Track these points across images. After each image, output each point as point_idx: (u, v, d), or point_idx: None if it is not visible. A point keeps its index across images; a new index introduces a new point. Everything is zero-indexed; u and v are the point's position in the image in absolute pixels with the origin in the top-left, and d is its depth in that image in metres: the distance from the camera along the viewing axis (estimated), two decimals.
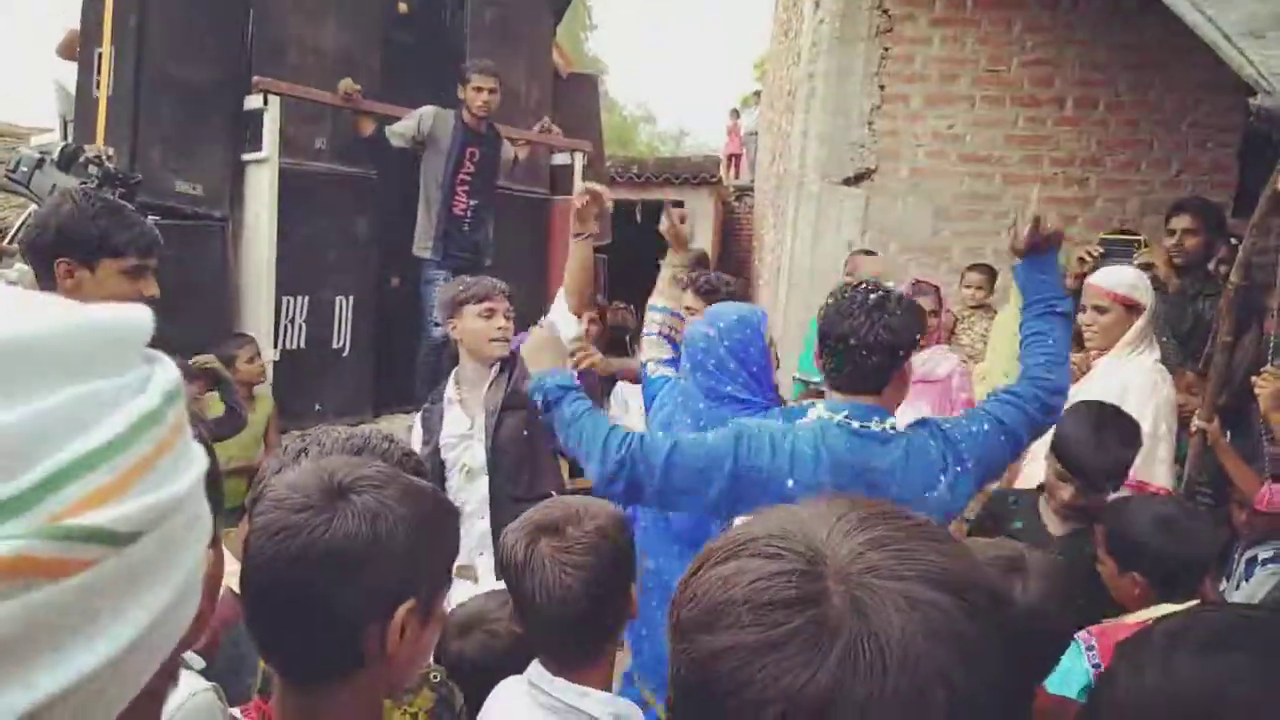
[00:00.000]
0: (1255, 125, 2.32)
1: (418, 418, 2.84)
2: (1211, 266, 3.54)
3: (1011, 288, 4.32)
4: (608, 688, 1.35)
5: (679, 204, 2.69)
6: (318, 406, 4.21)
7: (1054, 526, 2.29)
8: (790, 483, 1.75)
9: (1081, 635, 1.76)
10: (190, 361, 2.87)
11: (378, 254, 4.49)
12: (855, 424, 1.77)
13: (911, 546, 0.56)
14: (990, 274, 4.43)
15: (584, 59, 19.64)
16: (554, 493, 2.50)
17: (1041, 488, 2.34)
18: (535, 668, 1.34)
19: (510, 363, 2.70)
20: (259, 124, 3.93)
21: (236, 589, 1.37)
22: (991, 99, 4.83)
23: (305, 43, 4.18)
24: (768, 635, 0.52)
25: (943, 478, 1.80)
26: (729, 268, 10.28)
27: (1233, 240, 3.60)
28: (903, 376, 1.81)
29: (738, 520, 0.60)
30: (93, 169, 2.74)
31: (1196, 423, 2.78)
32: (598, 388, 3.64)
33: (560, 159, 5.39)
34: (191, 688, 0.93)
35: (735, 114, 15.14)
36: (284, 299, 4.06)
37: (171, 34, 3.76)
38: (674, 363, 2.46)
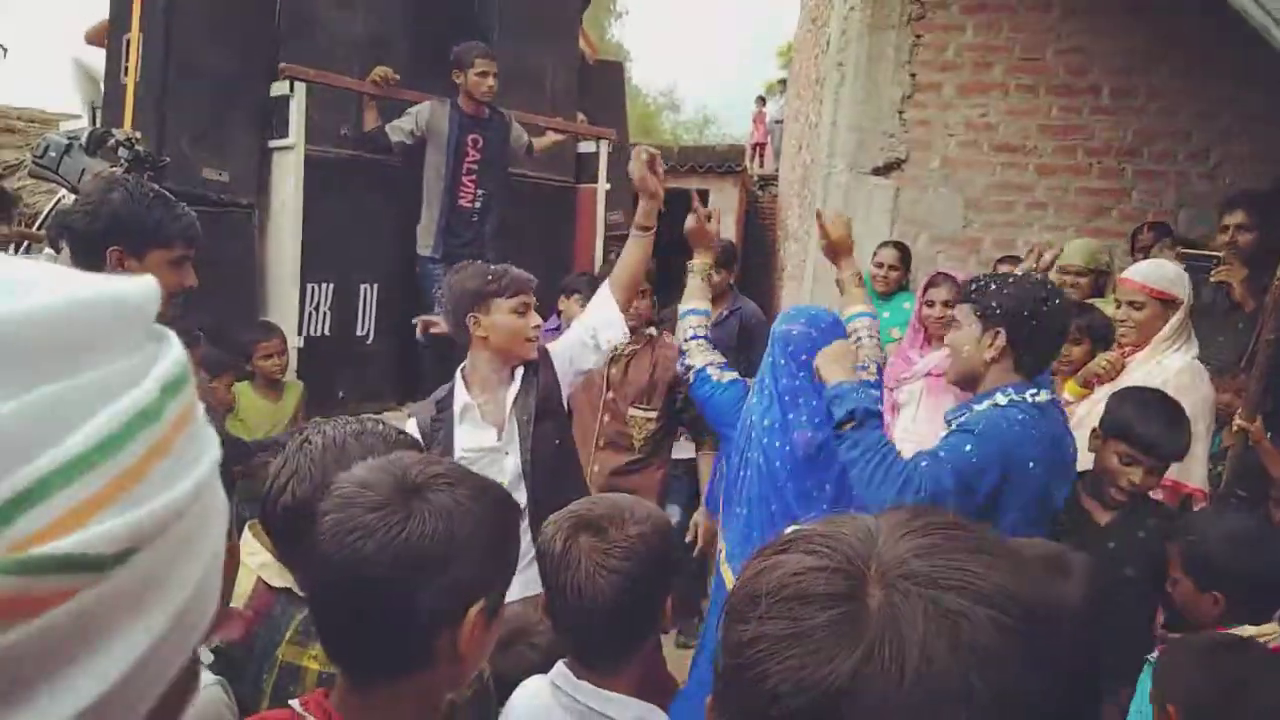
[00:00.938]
0: None
1: (412, 423, 2.41)
2: None
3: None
4: (633, 693, 1.32)
5: (704, 195, 2.59)
6: (341, 394, 4.22)
7: (1099, 515, 2.25)
8: (1031, 464, 1.93)
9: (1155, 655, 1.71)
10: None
11: (401, 241, 4.48)
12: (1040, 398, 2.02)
13: (958, 558, 0.55)
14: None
15: (608, 46, 19.56)
16: None
17: (1081, 475, 2.28)
18: (560, 669, 1.31)
19: (535, 363, 2.47)
20: (285, 111, 3.92)
21: (268, 580, 1.37)
22: (1025, 88, 4.73)
23: (332, 29, 4.16)
24: (792, 628, 0.53)
25: None
26: (754, 257, 10.21)
27: None
28: None
29: None
30: (122, 152, 2.73)
31: (1238, 422, 2.71)
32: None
33: (585, 147, 5.35)
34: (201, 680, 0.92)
35: (761, 102, 15.03)
36: (309, 286, 4.06)
37: (200, 20, 3.76)
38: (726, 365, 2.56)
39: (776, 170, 11.53)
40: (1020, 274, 2.33)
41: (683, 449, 3.99)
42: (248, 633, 1.36)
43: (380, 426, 1.35)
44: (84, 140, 2.77)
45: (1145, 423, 2.14)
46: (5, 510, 0.30)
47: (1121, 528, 2.18)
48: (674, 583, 1.36)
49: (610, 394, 3.41)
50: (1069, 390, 3.10)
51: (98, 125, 3.70)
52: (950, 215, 4.87)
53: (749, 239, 10.37)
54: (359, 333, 4.34)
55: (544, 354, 2.51)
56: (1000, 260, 4.39)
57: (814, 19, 7.20)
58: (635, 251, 2.60)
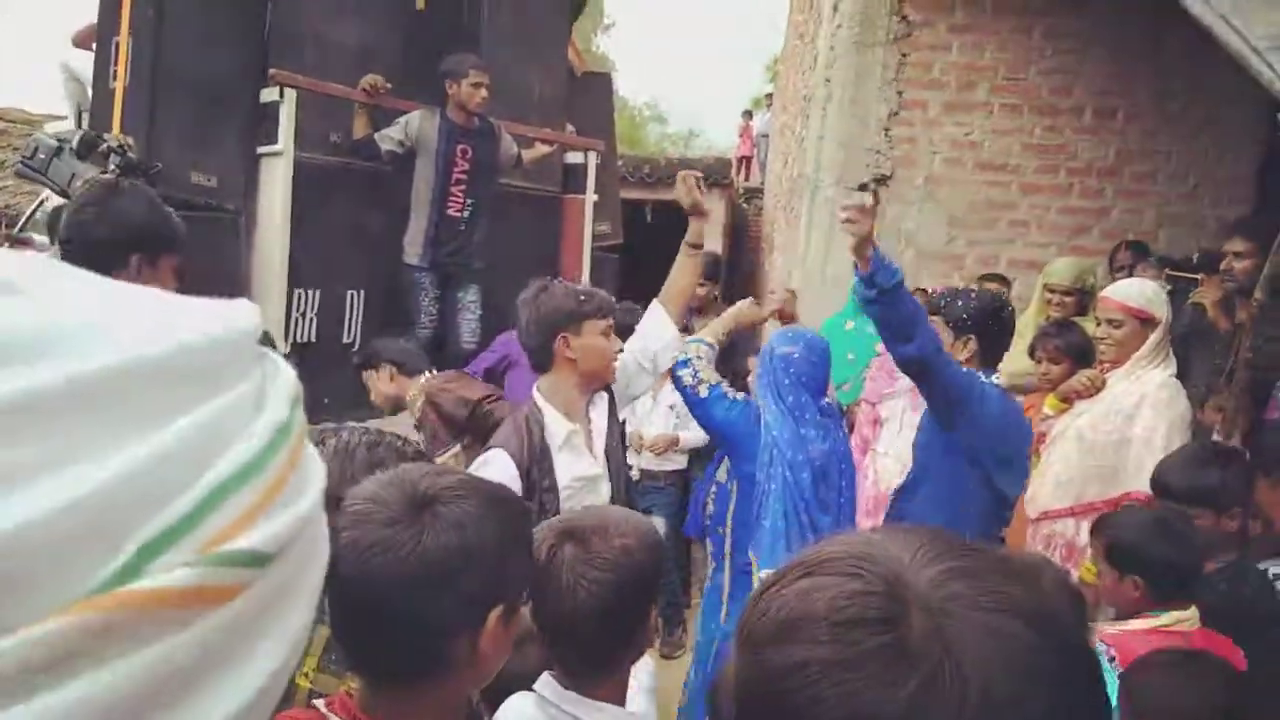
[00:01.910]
0: None
1: (501, 456, 2.13)
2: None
3: (1025, 295, 4.30)
4: (621, 701, 1.33)
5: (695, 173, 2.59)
6: (326, 400, 4.20)
7: None
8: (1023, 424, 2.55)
9: (1100, 644, 1.78)
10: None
11: (389, 249, 4.47)
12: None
13: (994, 579, 0.55)
14: (1005, 284, 4.40)
15: (595, 58, 19.63)
16: None
17: None
18: (545, 680, 1.32)
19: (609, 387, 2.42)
20: (275, 117, 3.92)
21: None
22: (1010, 107, 4.81)
23: (323, 37, 4.17)
24: (845, 653, 0.51)
25: None
26: (738, 270, 10.26)
27: None
28: None
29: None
30: (115, 158, 2.73)
31: (1217, 439, 2.76)
32: None
33: (573, 157, 5.37)
34: None
35: (748, 115, 15.11)
36: (295, 292, 4.05)
37: (189, 25, 3.75)
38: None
39: (762, 184, 11.60)
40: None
41: (672, 461, 4.01)
42: None
43: (396, 440, 1.36)
44: (75, 144, 2.76)
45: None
46: (197, 512, 0.35)
47: None
48: (658, 597, 1.38)
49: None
50: (1049, 405, 3.14)
51: (85, 128, 3.69)
52: (934, 231, 4.92)
53: (734, 251, 10.42)
54: (345, 340, 4.33)
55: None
56: (983, 278, 4.45)
57: (801, 35, 7.27)
58: (687, 270, 2.63)
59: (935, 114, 4.87)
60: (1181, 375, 2.93)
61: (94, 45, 4.04)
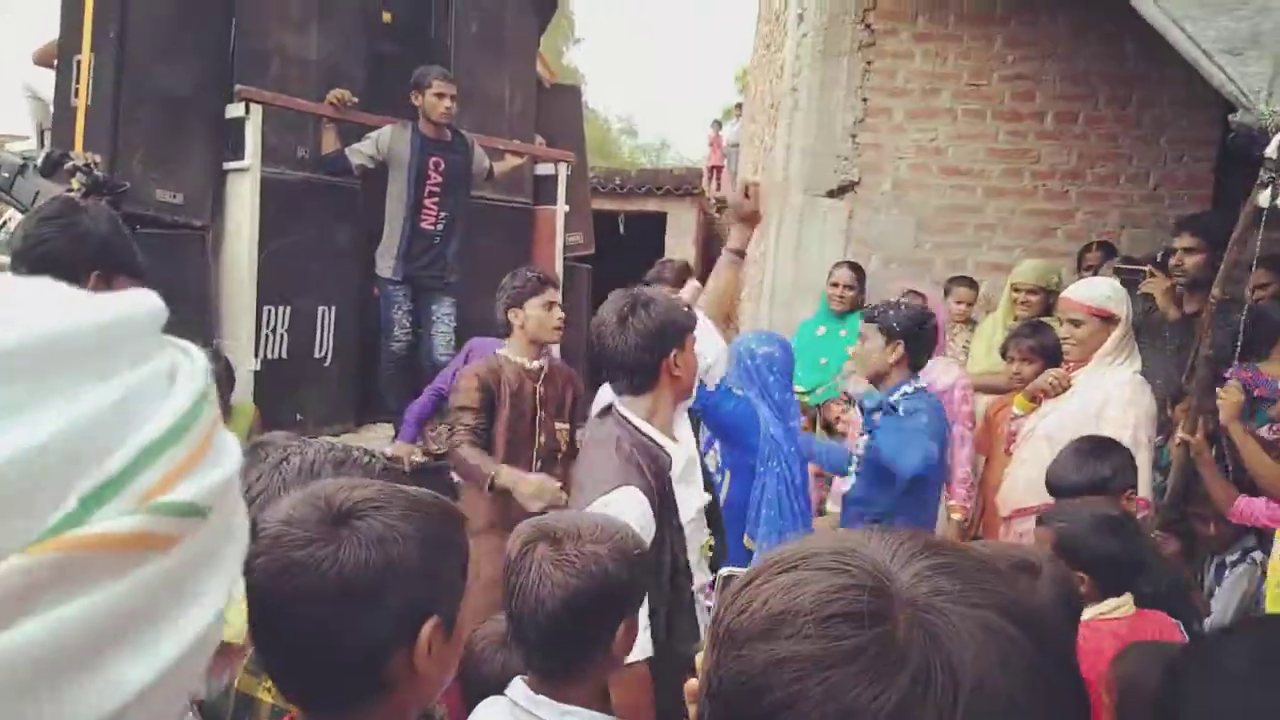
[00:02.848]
0: (1234, 140, 2.35)
1: (633, 495, 1.79)
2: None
3: (993, 297, 4.35)
4: (593, 706, 1.33)
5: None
6: (299, 416, 4.17)
7: None
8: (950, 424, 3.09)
9: None
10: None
11: (360, 264, 4.45)
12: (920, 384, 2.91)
13: (980, 576, 0.54)
14: (973, 287, 4.46)
15: (565, 71, 19.68)
16: None
17: None
18: (517, 685, 1.32)
19: None
20: (241, 133, 3.89)
21: None
22: (973, 113, 4.88)
23: (288, 52, 4.15)
24: (832, 648, 0.50)
25: None
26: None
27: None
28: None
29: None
30: (81, 176, 2.70)
31: (1180, 435, 2.81)
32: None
33: (544, 169, 5.38)
34: None
35: (717, 126, 15.20)
36: (265, 308, 4.02)
37: (152, 42, 3.72)
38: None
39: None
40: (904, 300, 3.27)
41: None
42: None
43: (365, 457, 1.31)
44: (39, 162, 2.74)
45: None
46: (132, 466, 0.38)
47: None
48: (631, 609, 1.35)
49: (542, 411, 3.33)
50: (1017, 405, 3.18)
51: (47, 147, 3.65)
52: (902, 236, 4.98)
53: (706, 260, 10.47)
54: (317, 355, 4.30)
55: None
56: (952, 280, 4.50)
57: (768, 45, 7.33)
58: (730, 276, 2.66)
59: (900, 120, 4.93)
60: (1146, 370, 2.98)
61: (55, 63, 4.00)
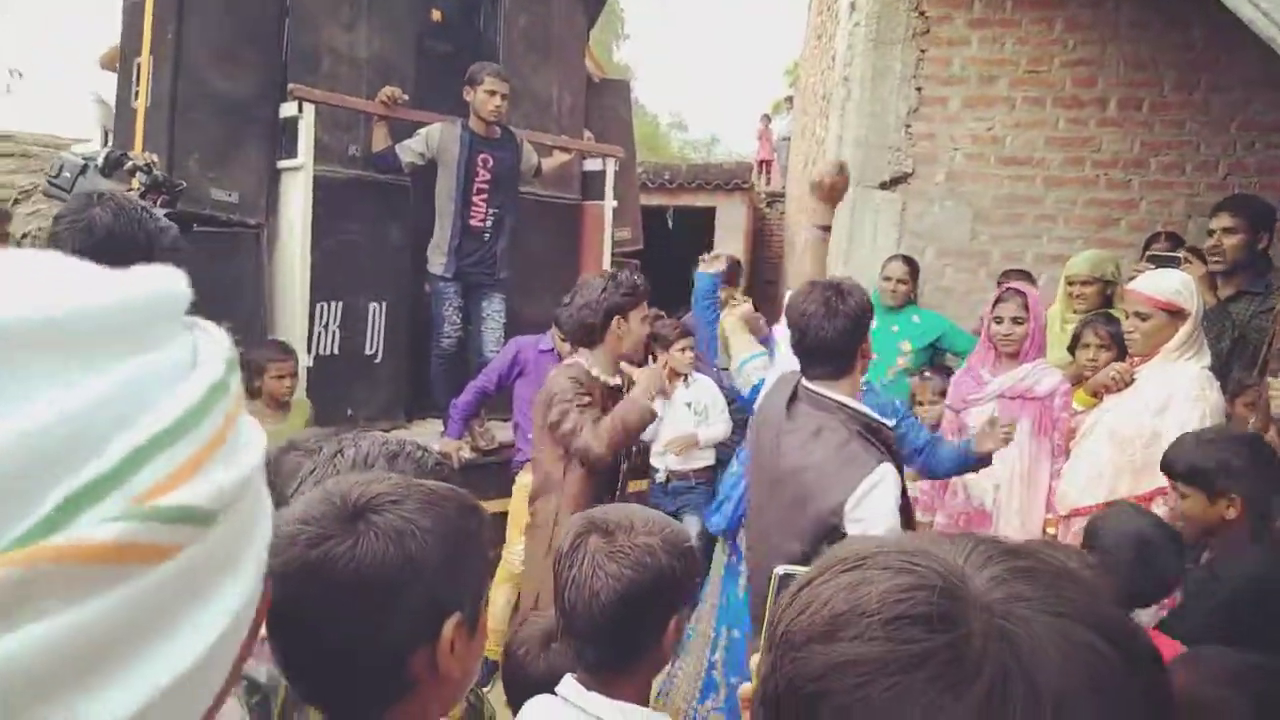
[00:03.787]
0: None
1: (890, 469, 2.02)
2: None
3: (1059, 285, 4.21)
4: (644, 703, 1.31)
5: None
6: (350, 412, 4.22)
7: None
8: None
9: None
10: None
11: (410, 260, 4.49)
12: None
13: (1062, 583, 0.49)
14: (1030, 280, 4.33)
15: (615, 68, 19.69)
16: None
17: None
18: (568, 682, 1.30)
19: None
20: (294, 131, 3.95)
21: None
22: (1032, 100, 4.73)
23: (340, 51, 4.20)
24: (898, 651, 0.47)
25: None
26: (761, 274, 10.22)
27: None
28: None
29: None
30: (141, 176, 2.75)
31: (1252, 428, 2.69)
32: None
33: (592, 165, 5.38)
34: None
35: (766, 119, 15.09)
36: (318, 305, 4.08)
37: (209, 44, 3.80)
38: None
39: (784, 187, 11.56)
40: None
41: (698, 458, 3.96)
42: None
43: (418, 451, 1.30)
44: (100, 162, 2.78)
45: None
46: (124, 465, 0.33)
47: None
48: (682, 606, 1.34)
49: None
50: (1078, 400, 3.07)
51: (110, 148, 3.74)
52: (958, 228, 4.86)
53: (756, 255, 10.39)
54: (368, 351, 4.35)
55: None
56: (1007, 273, 4.38)
57: (819, 35, 7.24)
58: (823, 253, 2.64)
59: (955, 109, 4.81)
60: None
61: (117, 66, 4.11)
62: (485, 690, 2.30)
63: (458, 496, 0.96)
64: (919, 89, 4.80)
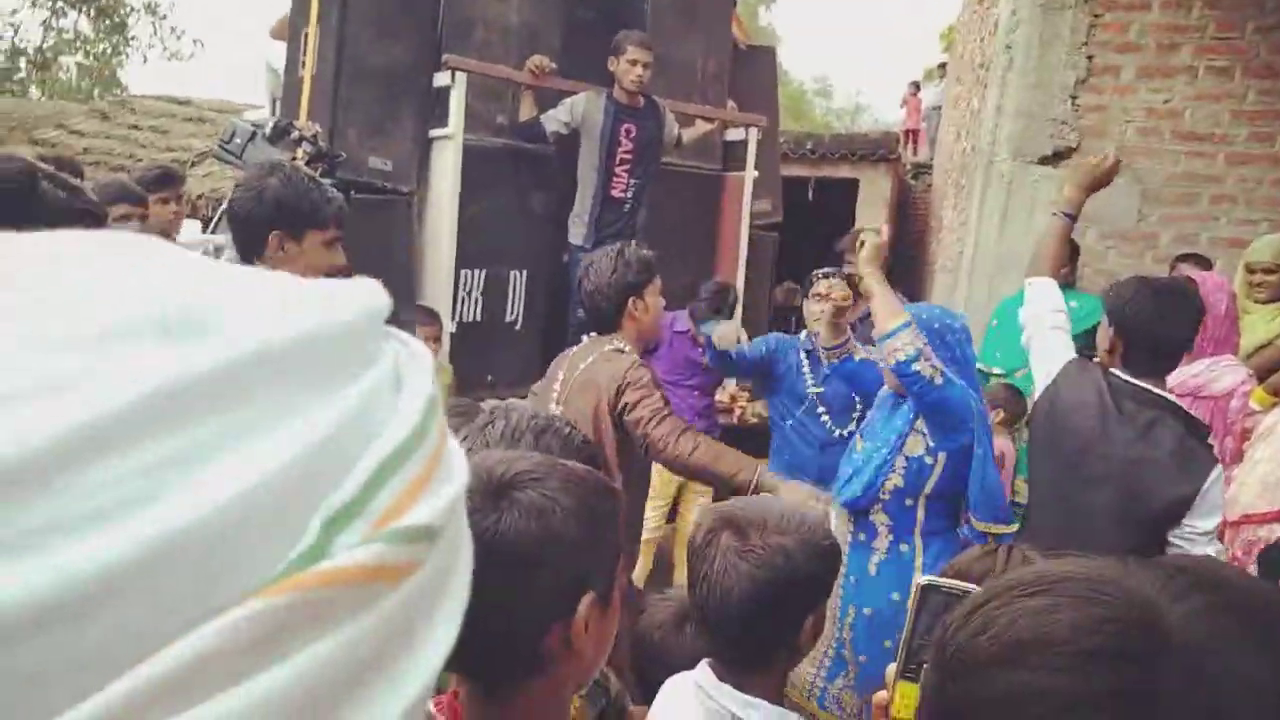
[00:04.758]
0: None
1: None
2: None
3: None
4: (778, 700, 1.29)
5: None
6: (490, 378, 4.34)
7: None
8: None
9: None
10: None
11: (551, 229, 4.56)
12: None
13: (1274, 617, 0.46)
14: (1204, 265, 4.01)
15: (760, 32, 19.31)
16: None
17: None
18: (703, 670, 1.31)
19: None
20: (446, 101, 4.06)
21: None
22: (1218, 70, 4.34)
23: (491, 21, 4.27)
24: (1086, 686, 0.45)
25: None
26: (904, 248, 9.88)
27: None
28: None
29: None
30: (306, 146, 2.87)
31: None
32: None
33: (734, 134, 5.29)
34: None
35: (915, 87, 14.46)
36: (462, 272, 4.20)
37: (370, 14, 3.93)
38: None
39: (931, 159, 11.09)
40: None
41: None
42: None
43: (566, 428, 1.32)
44: (268, 130, 2.92)
45: None
46: (370, 487, 0.33)
47: None
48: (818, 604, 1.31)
49: None
50: (1256, 399, 2.84)
51: (277, 116, 3.94)
52: (1124, 208, 4.54)
53: (900, 229, 10.03)
54: (508, 319, 4.45)
55: None
56: (1180, 258, 4.06)
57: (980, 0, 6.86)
58: (1061, 236, 2.62)
59: (1129, 79, 4.47)
60: None
61: (287, 36, 4.32)
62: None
63: (596, 477, 0.98)
64: (1090, 57, 4.49)
